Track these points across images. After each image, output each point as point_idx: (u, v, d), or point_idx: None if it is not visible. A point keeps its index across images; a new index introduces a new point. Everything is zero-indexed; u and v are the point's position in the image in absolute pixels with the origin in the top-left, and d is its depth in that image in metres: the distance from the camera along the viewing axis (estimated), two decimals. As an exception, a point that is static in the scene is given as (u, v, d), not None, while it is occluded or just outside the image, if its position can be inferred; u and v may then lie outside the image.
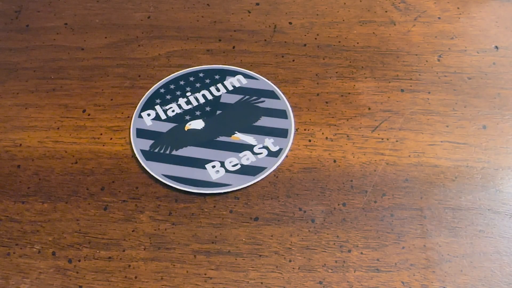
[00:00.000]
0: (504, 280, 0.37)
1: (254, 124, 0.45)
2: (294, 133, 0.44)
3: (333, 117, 0.45)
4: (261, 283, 0.37)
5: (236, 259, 0.38)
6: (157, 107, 0.47)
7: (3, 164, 0.44)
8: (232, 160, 0.43)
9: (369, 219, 0.40)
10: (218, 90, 0.48)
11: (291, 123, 0.45)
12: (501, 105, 0.46)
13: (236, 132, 0.45)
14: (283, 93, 0.47)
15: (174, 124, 0.45)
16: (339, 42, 0.51)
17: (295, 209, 0.41)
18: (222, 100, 0.47)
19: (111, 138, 0.45)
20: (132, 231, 0.40)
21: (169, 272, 0.38)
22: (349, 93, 0.47)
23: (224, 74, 0.49)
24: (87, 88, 0.49)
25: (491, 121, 0.45)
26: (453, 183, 0.42)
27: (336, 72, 0.49)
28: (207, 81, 0.48)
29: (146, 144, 0.44)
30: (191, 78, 0.48)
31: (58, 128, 0.46)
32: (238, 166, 0.42)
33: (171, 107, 0.46)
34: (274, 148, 0.43)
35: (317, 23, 0.52)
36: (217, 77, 0.48)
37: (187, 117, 0.46)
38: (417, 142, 0.44)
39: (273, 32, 0.52)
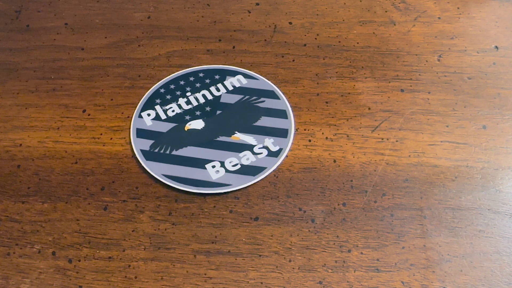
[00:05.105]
0: (504, 280, 0.37)
1: (254, 124, 0.45)
2: (294, 133, 0.44)
3: (333, 117, 0.45)
4: (261, 283, 0.37)
5: (236, 259, 0.38)
6: (157, 107, 0.47)
7: (3, 164, 0.44)
8: (232, 160, 0.43)
9: (369, 219, 0.40)
10: (218, 90, 0.48)
11: (291, 123, 0.45)
12: (501, 105, 0.46)
13: (236, 132, 0.45)
14: (283, 93, 0.47)
15: (174, 124, 0.45)
16: (339, 42, 0.51)
17: (295, 209, 0.41)
18: (222, 100, 0.47)
19: (111, 138, 0.45)
20: (132, 231, 0.40)
21: (169, 272, 0.38)
22: (349, 93, 0.47)
23: (224, 74, 0.49)
24: (87, 88, 0.49)
25: (491, 121, 0.45)
26: (453, 183, 0.41)
27: (336, 72, 0.49)
28: (207, 81, 0.48)
29: (146, 144, 0.44)
30: (191, 78, 0.48)
31: (58, 128, 0.46)
32: (238, 166, 0.42)
33: (171, 107, 0.46)
34: (274, 148, 0.43)
35: (317, 23, 0.52)
36: (217, 77, 0.48)
37: (187, 117, 0.46)
38: (417, 142, 0.44)
39: (273, 32, 0.52)
